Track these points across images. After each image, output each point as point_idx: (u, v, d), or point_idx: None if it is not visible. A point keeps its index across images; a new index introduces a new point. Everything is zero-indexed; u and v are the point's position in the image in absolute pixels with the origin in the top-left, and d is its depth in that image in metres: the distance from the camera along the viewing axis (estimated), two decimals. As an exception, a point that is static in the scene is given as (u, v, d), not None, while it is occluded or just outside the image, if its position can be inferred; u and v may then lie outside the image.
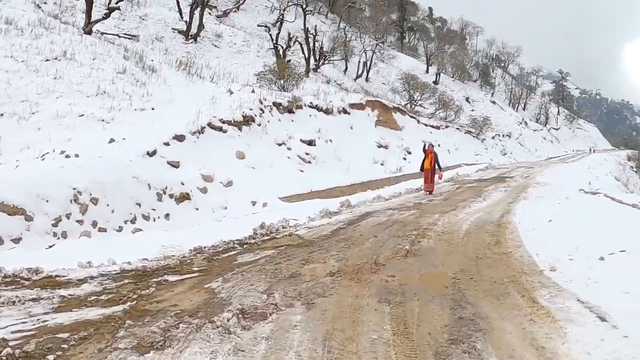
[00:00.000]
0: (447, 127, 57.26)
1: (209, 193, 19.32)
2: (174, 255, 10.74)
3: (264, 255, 10.99)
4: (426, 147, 24.85)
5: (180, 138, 20.88)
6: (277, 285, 8.69)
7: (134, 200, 16.13)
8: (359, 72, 69.68)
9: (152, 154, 18.86)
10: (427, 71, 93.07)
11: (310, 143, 28.15)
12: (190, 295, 8.18)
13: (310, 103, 32.43)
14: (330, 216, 16.20)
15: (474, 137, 63.61)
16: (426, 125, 50.99)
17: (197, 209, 18.37)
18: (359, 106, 38.63)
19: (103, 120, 21.05)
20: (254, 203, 20.12)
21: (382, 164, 33.07)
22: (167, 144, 20.06)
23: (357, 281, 9.05)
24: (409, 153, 38.94)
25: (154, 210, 16.68)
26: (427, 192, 23.58)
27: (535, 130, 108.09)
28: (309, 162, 26.74)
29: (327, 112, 33.57)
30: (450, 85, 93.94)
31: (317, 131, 29.93)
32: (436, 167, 24.09)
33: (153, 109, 23.75)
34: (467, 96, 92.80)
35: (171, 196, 17.79)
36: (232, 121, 24.31)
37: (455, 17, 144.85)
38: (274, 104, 28.93)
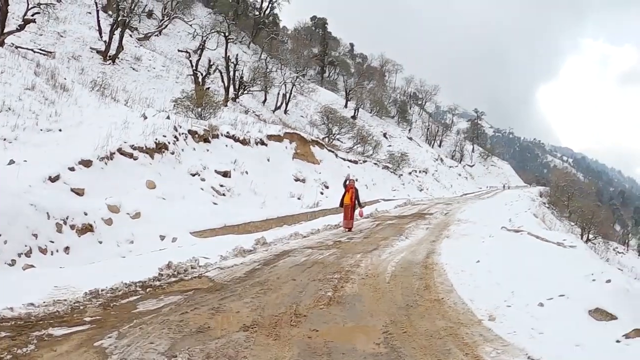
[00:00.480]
0: (364, 161, 56.71)
1: (115, 225, 18.00)
2: (65, 300, 9.47)
3: (169, 301, 9.85)
4: (347, 182, 23.95)
5: (86, 163, 19.52)
6: (181, 344, 7.54)
7: (30, 231, 14.63)
8: (278, 104, 69.42)
9: (54, 179, 17.48)
10: (345, 105, 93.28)
11: (226, 174, 27.17)
12: (76, 357, 6.96)
13: (227, 133, 31.51)
14: (244, 255, 15.14)
15: (391, 172, 63.46)
16: (344, 159, 50.38)
17: (100, 242, 17.05)
18: (277, 138, 37.79)
19: (5, 139, 19.51)
20: (162, 237, 18.90)
21: (299, 198, 32.29)
22: (72, 169, 18.68)
23: (276, 338, 8.05)
24: (327, 187, 38.34)
25: (52, 242, 15.20)
26: (347, 229, 22.74)
27: (450, 167, 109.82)
28: (224, 194, 25.73)
29: (244, 142, 32.67)
30: (369, 120, 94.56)
31: (233, 162, 28.99)
32: (357, 203, 23.38)
33: (60, 130, 22.36)
34: (385, 132, 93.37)
35: (72, 227, 16.40)
36: (144, 148, 23.10)
37: (376, 54, 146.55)
38: (190, 131, 27.85)
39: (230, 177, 27.36)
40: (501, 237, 20.57)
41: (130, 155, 22.15)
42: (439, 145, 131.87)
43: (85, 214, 17.05)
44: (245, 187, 28.05)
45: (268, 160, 34.12)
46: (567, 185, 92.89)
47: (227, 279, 11.99)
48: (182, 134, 27.00)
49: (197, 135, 28.21)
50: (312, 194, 34.25)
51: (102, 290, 10.18)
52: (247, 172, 29.47)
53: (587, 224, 70.62)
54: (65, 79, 29.12)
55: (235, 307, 9.57)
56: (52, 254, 15.06)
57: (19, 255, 14.08)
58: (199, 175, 25.43)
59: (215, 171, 26.76)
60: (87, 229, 16.89)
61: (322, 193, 36.52)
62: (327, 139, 54.42)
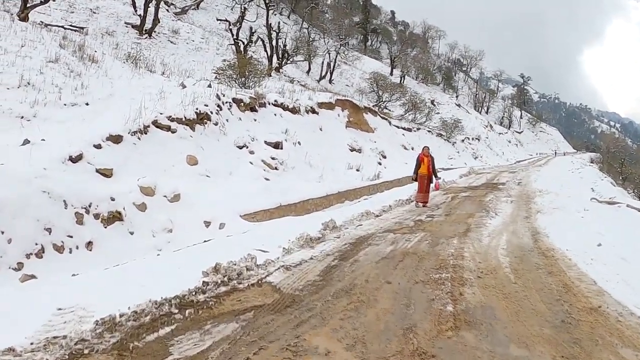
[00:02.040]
0: (418, 129, 53.36)
1: (149, 211, 14.75)
2: (65, 338, 6.04)
3: (218, 335, 6.39)
4: (422, 150, 20.66)
5: (116, 139, 16.36)
6: None
7: (41, 225, 11.40)
8: (323, 74, 65.98)
9: (76, 159, 14.21)
10: (391, 73, 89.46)
11: (277, 146, 23.83)
12: None
13: (275, 101, 28.27)
14: (312, 245, 11.65)
15: (445, 140, 59.91)
16: (398, 127, 47.07)
17: (132, 233, 13.84)
18: (328, 105, 34.55)
19: (22, 117, 16.21)
20: (207, 224, 15.62)
21: (357, 170, 28.84)
22: (98, 146, 15.46)
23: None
24: (384, 157, 35.05)
25: (71, 237, 12.00)
26: (422, 204, 19.43)
27: (500, 134, 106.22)
28: (276, 168, 22.35)
29: (294, 111, 29.39)
30: (415, 87, 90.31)
31: (283, 132, 25.72)
32: (433, 175, 20.14)
33: (87, 104, 19.09)
34: (432, 99, 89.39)
35: (97, 216, 13.22)
36: (184, 119, 19.94)
37: (418, 20, 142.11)
38: (234, 100, 24.62)
39: (282, 148, 24.02)
40: (599, 211, 18.41)
41: (168, 128, 18.97)
42: (487, 112, 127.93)
43: (113, 200, 13.87)
44: (300, 159, 24.69)
45: (321, 129, 30.78)
46: (618, 151, 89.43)
47: (298, 286, 8.50)
48: (226, 102, 23.81)
49: (242, 104, 24.94)
50: (370, 165, 30.84)
51: (121, 316, 6.70)
52: (299, 143, 26.14)
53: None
54: (95, 51, 25.98)
55: (322, 343, 6.14)
56: (70, 252, 11.87)
57: (28, 256, 10.93)
58: (247, 147, 22.14)
59: (265, 142, 23.49)
60: (115, 217, 13.74)
61: (380, 163, 33.19)
62: (377, 107, 50.83)
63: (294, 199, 19.38)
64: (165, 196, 15.61)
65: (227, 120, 22.82)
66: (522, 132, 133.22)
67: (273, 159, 22.58)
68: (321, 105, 33.33)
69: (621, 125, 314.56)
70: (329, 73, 67.34)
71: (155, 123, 18.57)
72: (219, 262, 8.92)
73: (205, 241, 13.15)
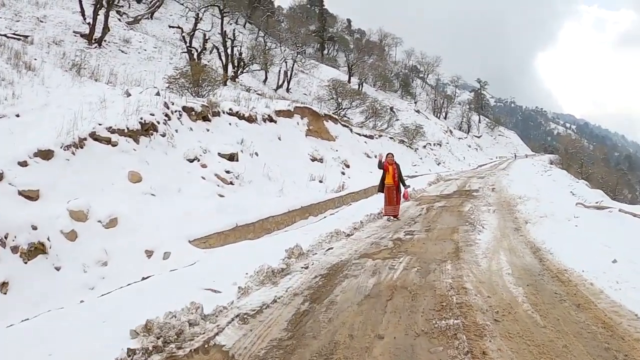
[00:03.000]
0: (380, 136, 51.47)
1: (80, 240, 12.40)
2: None
3: None
4: (383, 159, 17.86)
5: (46, 155, 14.14)
6: None
7: None
8: (280, 82, 63.91)
9: (-7, 180, 11.79)
10: (349, 81, 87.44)
11: (232, 158, 21.47)
12: None
13: (230, 110, 26.20)
14: (275, 280, 9.23)
15: (407, 146, 58.33)
16: (360, 134, 45.04)
17: (57, 269, 11.49)
18: (287, 113, 32.46)
19: (-63, 133, 13.76)
20: (149, 254, 13.20)
21: (320, 181, 26.55)
22: (23, 163, 13.25)
23: None
24: (347, 166, 32.96)
25: (-27, 279, 9.53)
26: (392, 217, 17.12)
27: (460, 139, 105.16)
28: (231, 183, 20.02)
29: (250, 120, 27.24)
30: (373, 94, 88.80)
31: (239, 143, 23.42)
32: (400, 183, 17.70)
33: (18, 115, 16.64)
34: (392, 106, 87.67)
35: (14, 250, 10.84)
36: (126, 130, 17.72)
37: (374, 28, 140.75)
38: (185, 109, 22.42)
39: (237, 160, 21.68)
40: (591, 218, 16.68)
41: (108, 141, 16.77)
42: (445, 118, 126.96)
43: (35, 228, 11.46)
44: (257, 171, 22.35)
45: (279, 139, 28.59)
46: (576, 152, 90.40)
47: (259, 351, 6.08)
48: (176, 111, 21.67)
49: (193, 113, 22.75)
50: (333, 175, 28.65)
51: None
52: (257, 154, 23.86)
53: (604, 190, 65.97)
54: (35, 59, 23.57)
55: None
56: (-30, 301, 9.37)
57: None
58: (198, 160, 19.82)
59: (219, 154, 21.17)
60: (38, 249, 11.38)
61: (343, 173, 31.08)
62: (337, 115, 48.86)
63: (252, 218, 16.98)
64: (100, 221, 13.21)
65: (176, 130, 20.59)
66: (481, 136, 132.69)
67: (228, 172, 20.25)
68: (279, 113, 31.28)
69: (577, 126, 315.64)
70: (286, 82, 65.26)
71: (93, 135, 16.34)
72: (151, 318, 6.51)
73: (143, 278, 10.68)
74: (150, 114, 19.25)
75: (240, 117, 26.56)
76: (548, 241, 12.57)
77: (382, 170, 17.55)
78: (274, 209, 18.55)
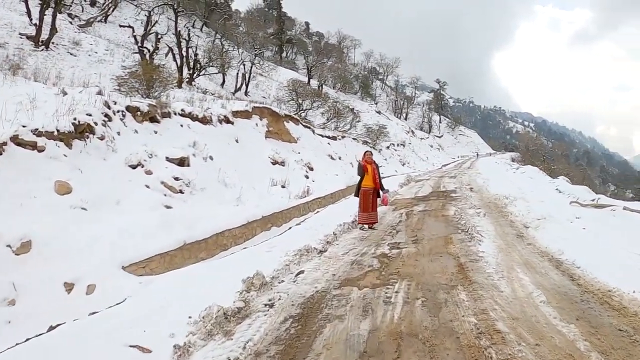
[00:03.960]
0: (343, 137, 48.98)
1: (-22, 271, 9.51)
2: None
3: None
4: (362, 158, 15.35)
5: (-52, 165, 11.15)
6: None
7: None
8: (238, 85, 61.04)
9: None
10: (308, 83, 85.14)
11: (182, 163, 18.68)
12: None
13: (182, 110, 23.45)
14: (228, 327, 6.44)
15: (371, 147, 55.69)
16: (322, 136, 42.48)
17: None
18: (245, 114, 29.75)
19: None
20: (69, 288, 10.25)
21: (283, 186, 23.85)
22: None
23: None
24: (311, 169, 30.29)
25: None
26: (368, 226, 14.47)
27: (422, 139, 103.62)
28: (181, 191, 17.23)
29: (205, 121, 24.59)
30: (334, 96, 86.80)
31: (191, 145, 20.65)
32: (380, 187, 15.12)
33: None
34: (353, 107, 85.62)
35: None
36: (56, 132, 14.79)
37: (332, 30, 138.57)
38: (129, 109, 19.59)
39: (188, 165, 18.90)
40: (595, 218, 14.70)
41: (33, 145, 13.87)
42: (406, 119, 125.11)
43: None
44: (212, 177, 19.57)
45: (237, 141, 25.92)
46: (537, 149, 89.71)
47: None
48: (118, 111, 18.87)
49: (139, 113, 19.94)
50: (297, 180, 25.98)
51: None
52: (211, 158, 21.13)
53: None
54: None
55: None
56: None
57: None
58: (142, 166, 16.99)
59: (167, 159, 18.35)
60: None
61: (307, 177, 28.42)
62: (298, 116, 46.42)
63: (204, 233, 14.12)
64: (9, 246, 10.33)
65: (118, 133, 17.85)
66: (442, 136, 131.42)
67: (177, 179, 17.46)
68: (236, 114, 28.59)
69: (535, 124, 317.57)
70: (244, 85, 62.48)
71: (16, 139, 13.48)
72: None
73: (51, 328, 7.72)
74: (87, 114, 16.38)
75: (194, 118, 23.88)
76: (565, 250, 10.29)
77: (359, 170, 15.00)
78: (230, 220, 15.72)
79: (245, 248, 13.67)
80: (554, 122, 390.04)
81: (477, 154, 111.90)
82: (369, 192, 14.55)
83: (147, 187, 16.20)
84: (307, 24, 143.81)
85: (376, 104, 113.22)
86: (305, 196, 22.89)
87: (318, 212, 19.63)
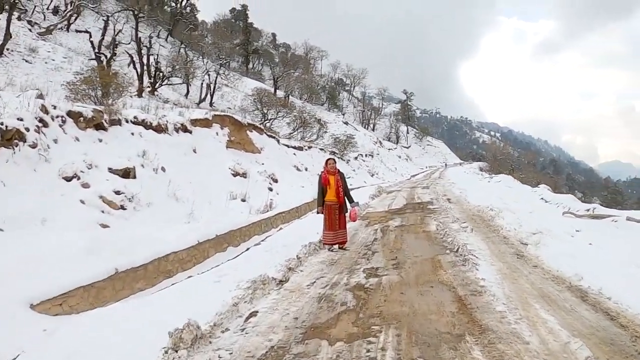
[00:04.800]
0: (310, 147, 46.82)
1: None
2: None
3: None
4: (325, 167, 12.93)
5: None
6: None
7: None
8: (202, 96, 58.61)
9: None
10: (275, 93, 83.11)
11: (127, 174, 16.33)
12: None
13: (135, 118, 21.13)
14: None
15: (339, 158, 53.79)
16: (287, 146, 40.24)
17: None
18: (204, 123, 27.45)
19: None
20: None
21: (243, 200, 21.50)
22: None
23: None
24: (275, 181, 27.96)
25: None
26: (337, 246, 12.19)
27: (390, 149, 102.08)
28: (122, 207, 14.81)
29: (159, 130, 22.28)
30: (300, 106, 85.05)
31: (140, 155, 18.35)
32: (346, 199, 12.67)
33: None
34: (319, 118, 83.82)
35: None
36: (-26, 140, 12.37)
37: (299, 42, 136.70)
38: (71, 114, 17.11)
39: (134, 177, 16.56)
40: (598, 231, 13.18)
41: (-60, 158, 11.36)
42: (373, 129, 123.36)
43: None
44: (161, 191, 17.20)
45: (194, 151, 23.61)
46: (504, 159, 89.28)
47: None
48: (58, 117, 16.44)
49: (82, 119, 17.44)
50: (259, 193, 23.58)
51: None
52: (163, 169, 18.84)
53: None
54: None
55: None
56: None
57: None
58: (78, 178, 14.61)
59: (110, 170, 16.01)
60: None
61: (271, 189, 26.08)
62: (263, 126, 44.30)
63: (143, 258, 11.69)
64: None
65: (54, 141, 15.47)
66: (409, 146, 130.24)
67: (118, 193, 15.07)
68: (195, 122, 26.32)
69: (501, 134, 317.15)
70: (209, 95, 60.14)
71: None
72: None
73: None
74: (18, 119, 13.96)
75: (147, 126, 21.57)
76: (582, 274, 8.35)
77: (319, 181, 12.78)
78: (178, 240, 13.25)
79: (190, 277, 11.34)
80: (520, 132, 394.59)
81: (446, 164, 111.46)
82: (334, 207, 12.25)
83: (82, 202, 13.82)
84: (273, 35, 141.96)
85: (343, 114, 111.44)
86: (267, 210, 20.61)
87: (281, 228, 17.49)
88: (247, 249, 13.86)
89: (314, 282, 8.86)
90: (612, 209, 19.90)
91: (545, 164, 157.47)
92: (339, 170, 12.77)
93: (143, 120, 21.47)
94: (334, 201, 12.27)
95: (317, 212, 12.66)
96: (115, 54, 40.79)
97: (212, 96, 60.14)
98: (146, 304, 8.20)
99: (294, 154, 39.64)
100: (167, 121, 23.35)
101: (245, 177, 25.14)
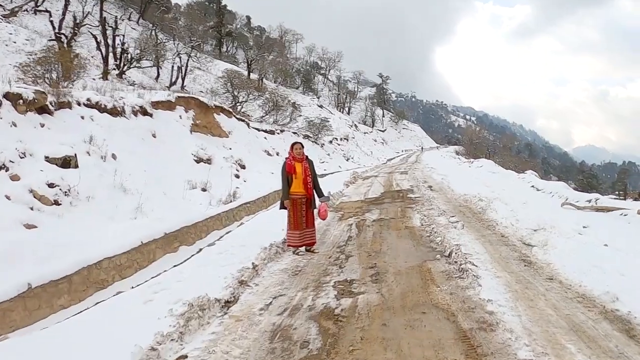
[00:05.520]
0: (282, 131, 44.97)
1: None
2: None
3: None
4: (291, 152, 10.55)
5: None
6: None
7: None
8: (173, 79, 56.21)
9: None
10: (248, 76, 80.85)
11: (67, 163, 14.23)
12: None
13: (88, 100, 19.24)
14: None
15: (313, 142, 52.02)
16: (258, 130, 38.27)
17: None
18: (167, 105, 25.57)
19: None
20: None
21: (204, 189, 19.39)
22: None
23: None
24: (243, 167, 25.97)
25: None
26: (301, 248, 10.09)
27: (365, 133, 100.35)
28: (56, 202, 12.65)
29: (115, 113, 20.41)
30: (281, 94, 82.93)
31: (86, 141, 16.24)
32: (315, 191, 10.47)
33: None
34: (294, 101, 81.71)
35: None
36: None
37: (274, 25, 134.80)
38: (8, 96, 15.01)
39: (76, 166, 14.42)
40: (608, 226, 11.44)
41: None
42: (348, 113, 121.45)
43: None
44: (106, 181, 15.00)
45: (154, 136, 21.62)
46: (480, 142, 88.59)
47: None
48: (-7, 99, 14.22)
49: (22, 102, 15.24)
50: (223, 180, 21.51)
51: None
52: (113, 157, 16.77)
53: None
54: None
55: None
56: None
57: None
58: (6, 169, 12.53)
59: (48, 159, 13.87)
60: None
61: (237, 176, 24.06)
62: (233, 109, 42.15)
63: (67, 267, 9.43)
64: None
65: (-16, 127, 13.24)
66: (385, 130, 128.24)
67: (52, 186, 12.93)
68: (157, 105, 24.48)
69: (477, 118, 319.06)
70: (180, 78, 57.77)
71: None
72: None
73: None
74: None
75: (102, 109, 19.60)
76: (618, 294, 6.40)
77: (283, 170, 10.39)
78: (118, 241, 11.13)
79: (119, 292, 9.09)
80: (495, 116, 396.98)
81: (422, 148, 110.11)
82: (301, 201, 10.14)
83: (8, 198, 11.65)
84: (248, 18, 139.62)
85: (318, 98, 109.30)
86: (231, 201, 18.52)
87: (244, 222, 15.36)
88: (200, 249, 11.68)
89: (270, 303, 6.76)
90: (590, 193, 18.26)
91: (521, 147, 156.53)
92: (307, 156, 10.54)
93: (97, 103, 19.48)
94: (300, 194, 10.15)
95: (281, 208, 10.45)
96: (76, 34, 38.42)
97: (183, 79, 57.90)
98: (26, 345, 6.06)
99: (265, 138, 37.74)
100: (124, 103, 21.27)
101: (209, 163, 23.12)
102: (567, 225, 10.71)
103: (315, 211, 10.52)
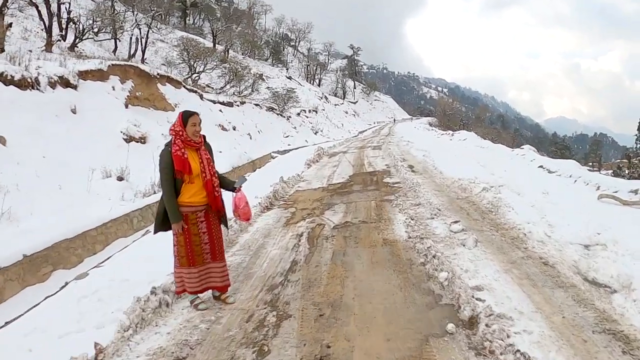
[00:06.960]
0: (242, 103, 40.55)
1: None
2: None
3: None
4: (180, 133, 5.72)
5: None
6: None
7: None
8: (132, 51, 51.45)
9: None
10: (214, 47, 76.37)
11: None
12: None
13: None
14: None
15: (277, 115, 47.62)
16: (213, 102, 34.04)
17: None
18: (98, 75, 21.36)
19: None
20: None
21: (121, 178, 14.94)
22: None
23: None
24: (186, 147, 21.53)
25: None
26: (213, 298, 5.92)
27: (336, 105, 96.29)
28: None
29: (24, 85, 16.27)
30: (242, 62, 78.35)
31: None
32: (220, 182, 5.96)
33: None
34: (261, 73, 77.25)
35: None
36: None
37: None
38: None
39: None
40: None
41: None
42: (319, 85, 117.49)
43: None
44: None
45: (73, 111, 17.37)
46: (454, 114, 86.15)
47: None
48: None
49: None
50: (156, 164, 17.06)
51: None
52: (3, 142, 12.38)
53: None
54: None
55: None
56: None
57: None
58: None
59: None
60: None
61: (178, 157, 19.69)
62: (190, 80, 37.62)
63: None
64: None
65: None
66: (357, 102, 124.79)
67: None
68: (85, 74, 20.34)
69: (449, 90, 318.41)
70: (140, 50, 53.03)
71: None
72: None
73: None
74: None
75: (7, 81, 15.37)
76: None
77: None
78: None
79: None
80: (467, 88, 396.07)
81: (395, 120, 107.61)
82: (198, 216, 5.80)
83: None
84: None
85: (287, 70, 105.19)
86: (155, 192, 14.10)
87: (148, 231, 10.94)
88: (66, 283, 7.37)
89: None
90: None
91: (493, 119, 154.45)
92: (207, 142, 6.07)
93: (2, 74, 15.04)
94: (199, 205, 5.80)
95: (157, 231, 5.96)
96: (6, 2, 33.91)
97: (143, 51, 53.01)
98: None
99: (220, 110, 33.42)
100: (39, 73, 16.94)
101: (143, 143, 18.92)
102: (629, 238, 6.54)
103: (230, 210, 6.11)
